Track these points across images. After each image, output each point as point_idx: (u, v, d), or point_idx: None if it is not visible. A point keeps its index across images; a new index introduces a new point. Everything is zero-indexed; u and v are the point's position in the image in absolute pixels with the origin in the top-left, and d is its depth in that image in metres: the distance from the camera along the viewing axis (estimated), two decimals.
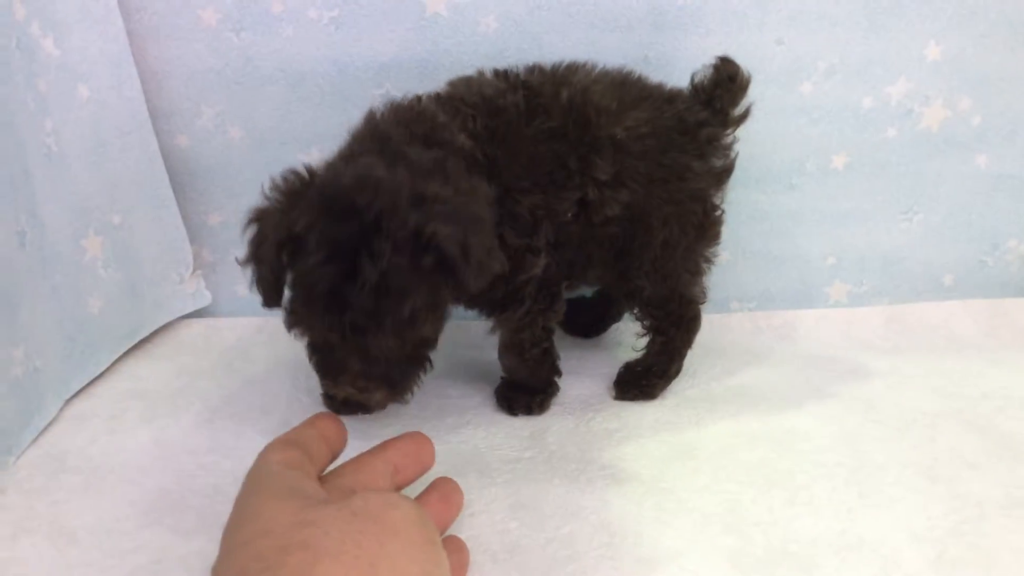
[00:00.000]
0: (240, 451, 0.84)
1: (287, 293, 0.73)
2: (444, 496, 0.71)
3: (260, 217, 0.73)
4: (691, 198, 0.90)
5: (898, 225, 1.14)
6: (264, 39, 1.00)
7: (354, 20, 0.99)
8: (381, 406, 0.83)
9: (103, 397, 0.95)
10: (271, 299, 0.74)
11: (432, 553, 0.56)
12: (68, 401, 0.93)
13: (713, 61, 0.92)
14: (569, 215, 0.84)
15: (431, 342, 0.78)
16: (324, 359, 0.76)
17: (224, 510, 0.71)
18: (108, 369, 0.99)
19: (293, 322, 0.73)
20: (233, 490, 0.77)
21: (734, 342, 1.09)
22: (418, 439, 0.72)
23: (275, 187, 0.74)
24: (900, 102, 1.08)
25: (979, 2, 1.04)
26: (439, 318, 0.75)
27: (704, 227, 0.92)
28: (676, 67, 1.03)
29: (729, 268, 1.09)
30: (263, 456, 0.63)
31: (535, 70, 0.87)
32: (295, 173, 0.74)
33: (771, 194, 1.10)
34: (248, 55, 1.01)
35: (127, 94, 0.98)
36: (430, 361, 0.80)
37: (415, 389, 0.80)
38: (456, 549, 0.68)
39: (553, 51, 1.02)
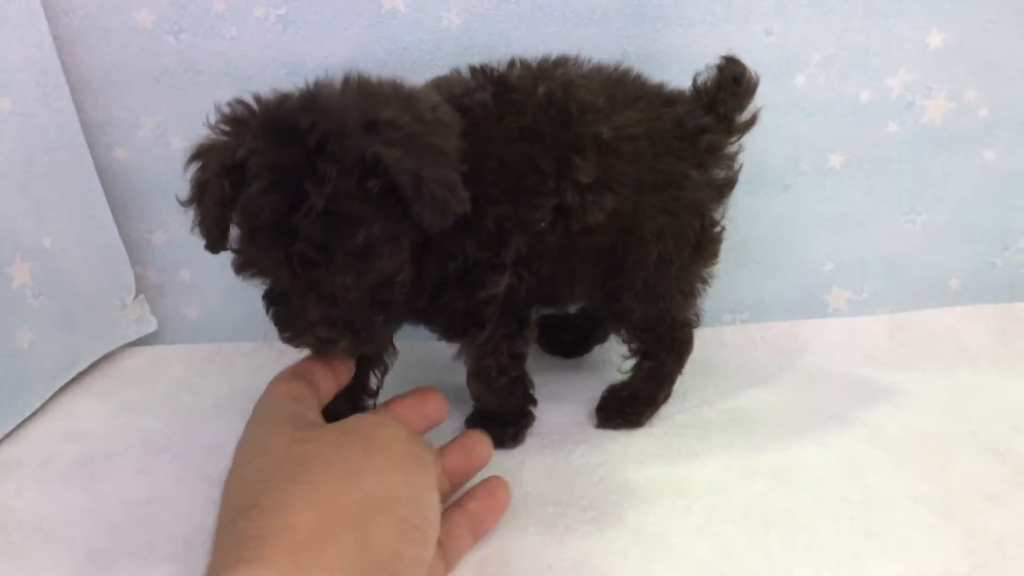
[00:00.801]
0: (180, 501, 0.77)
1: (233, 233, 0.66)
2: (465, 447, 0.73)
3: (203, 152, 0.67)
4: (688, 210, 0.81)
5: (900, 226, 1.06)
6: (206, 41, 0.92)
7: (304, 18, 0.91)
8: (349, 356, 0.72)
9: (33, 441, 0.87)
10: (215, 241, 0.67)
11: (418, 467, 0.60)
12: None
13: (716, 60, 0.83)
14: (543, 224, 0.76)
15: (395, 282, 0.68)
16: (281, 309, 0.68)
17: (157, 572, 0.68)
18: (40, 408, 0.91)
19: (241, 263, 0.66)
20: (168, 547, 0.72)
21: (727, 358, 1.01)
22: (423, 391, 0.72)
23: (219, 117, 0.67)
24: (901, 94, 0.99)
25: None
26: (399, 252, 0.66)
27: (701, 244, 0.84)
28: (658, 61, 0.95)
29: (721, 277, 0.99)
30: (271, 387, 0.66)
31: (516, 64, 0.79)
32: (241, 101, 0.67)
33: (764, 196, 1.02)
34: (189, 59, 0.93)
35: (55, 105, 0.89)
36: (400, 308, 0.71)
37: (385, 341, 0.72)
38: (490, 493, 0.71)
39: (522, 47, 0.93)
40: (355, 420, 0.62)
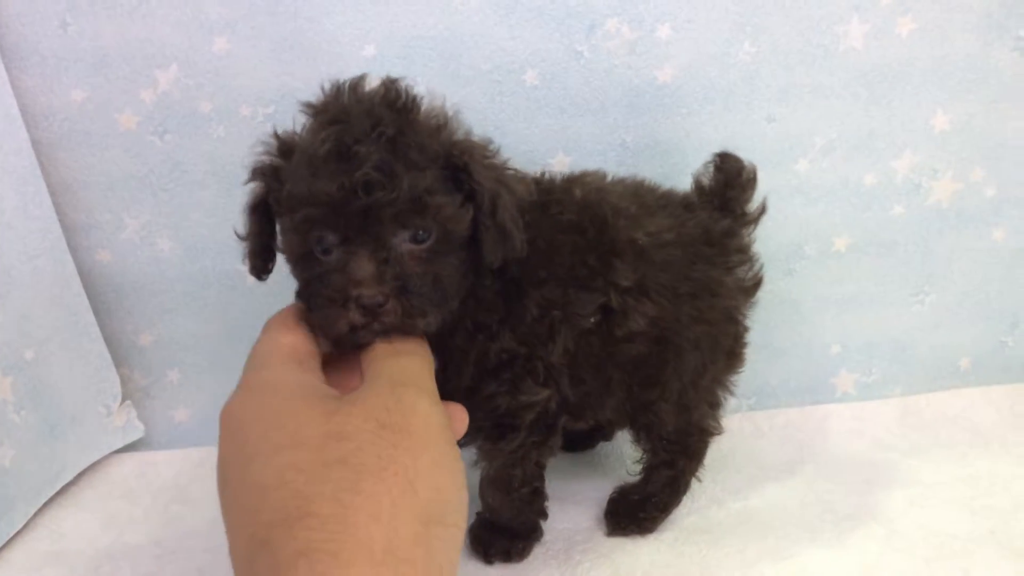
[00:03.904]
0: None
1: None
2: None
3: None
4: (724, 318, 0.80)
5: (909, 307, 1.04)
6: (192, 141, 0.90)
7: (293, 116, 0.88)
8: (393, 329, 0.61)
9: (16, 565, 0.83)
10: (256, 251, 0.67)
11: (455, 458, 0.55)
12: None
13: (711, 158, 0.82)
14: (592, 321, 0.73)
15: (452, 251, 0.63)
16: (324, 279, 0.61)
17: None
18: (24, 526, 0.87)
19: (288, 209, 0.61)
20: None
21: (734, 449, 0.98)
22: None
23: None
24: (906, 176, 0.97)
25: (990, 65, 0.94)
26: (460, 222, 0.62)
27: (734, 352, 0.83)
28: (656, 151, 0.93)
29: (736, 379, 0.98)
30: (270, 335, 0.60)
31: (543, 174, 0.77)
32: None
33: (768, 280, 0.96)
34: (175, 159, 0.90)
35: (35, 212, 0.86)
36: (454, 288, 0.64)
37: (433, 321, 0.62)
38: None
39: (520, 139, 0.91)
40: (384, 407, 0.53)
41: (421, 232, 0.61)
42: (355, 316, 0.59)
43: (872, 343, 1.05)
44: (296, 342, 0.59)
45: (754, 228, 0.83)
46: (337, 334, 0.60)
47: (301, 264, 0.63)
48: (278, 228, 0.65)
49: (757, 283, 0.83)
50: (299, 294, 0.64)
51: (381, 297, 0.59)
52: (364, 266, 0.59)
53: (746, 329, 0.84)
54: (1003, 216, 1.01)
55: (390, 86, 0.63)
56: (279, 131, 0.65)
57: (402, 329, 0.61)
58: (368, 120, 0.60)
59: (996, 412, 1.04)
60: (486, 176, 0.63)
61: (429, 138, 0.61)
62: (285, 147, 0.64)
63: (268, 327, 0.61)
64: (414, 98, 0.63)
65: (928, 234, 1.01)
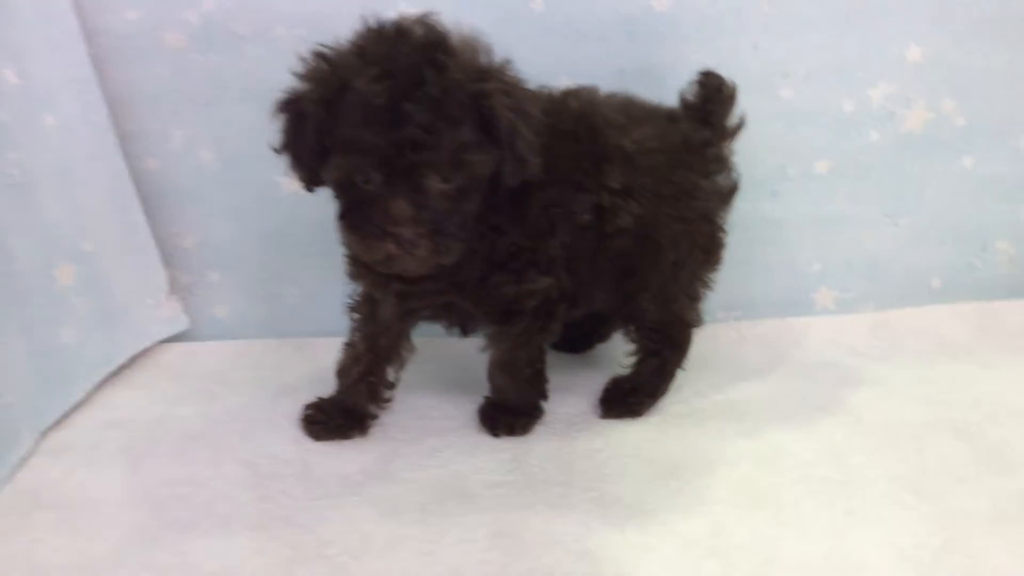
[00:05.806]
0: (216, 481, 0.84)
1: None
2: None
3: (292, 99, 0.75)
4: (700, 217, 0.90)
5: (884, 229, 1.13)
6: (232, 60, 0.99)
7: (322, 37, 0.97)
8: (421, 265, 0.75)
9: (80, 428, 0.93)
10: (313, 174, 0.75)
11: None
12: (44, 433, 0.91)
13: (696, 76, 0.91)
14: (587, 218, 0.83)
15: (474, 194, 0.75)
16: (366, 210, 0.73)
17: (196, 547, 0.74)
18: (84, 399, 0.97)
19: (341, 150, 0.71)
20: (207, 523, 0.77)
21: (719, 353, 1.07)
22: None
23: (300, 70, 0.75)
24: (882, 105, 1.06)
25: (960, 1, 1.02)
26: (487, 163, 0.74)
27: (710, 250, 0.92)
28: (651, 76, 1.01)
29: (714, 276, 1.07)
30: None
31: (541, 88, 0.86)
32: (316, 51, 0.75)
33: (754, 202, 1.08)
34: (217, 76, 1.00)
35: (93, 119, 0.96)
36: (474, 216, 0.76)
37: (456, 252, 0.75)
38: None
39: (524, 64, 0.98)
40: None
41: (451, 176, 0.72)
42: (392, 248, 0.72)
43: (849, 262, 1.14)
44: None
45: (732, 141, 0.92)
46: (374, 259, 0.74)
47: (342, 187, 0.74)
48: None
49: (733, 189, 0.93)
50: (342, 217, 0.75)
51: (416, 236, 0.71)
52: (403, 208, 0.71)
53: (723, 231, 0.93)
54: (972, 145, 1.09)
55: (431, 36, 0.72)
56: (325, 53, 0.74)
57: (430, 261, 0.74)
58: (414, 75, 0.69)
59: (964, 326, 1.13)
60: (507, 115, 0.72)
61: (463, 91, 0.70)
62: (338, 82, 0.72)
63: None
64: (450, 49, 0.72)
65: (902, 160, 1.09)
